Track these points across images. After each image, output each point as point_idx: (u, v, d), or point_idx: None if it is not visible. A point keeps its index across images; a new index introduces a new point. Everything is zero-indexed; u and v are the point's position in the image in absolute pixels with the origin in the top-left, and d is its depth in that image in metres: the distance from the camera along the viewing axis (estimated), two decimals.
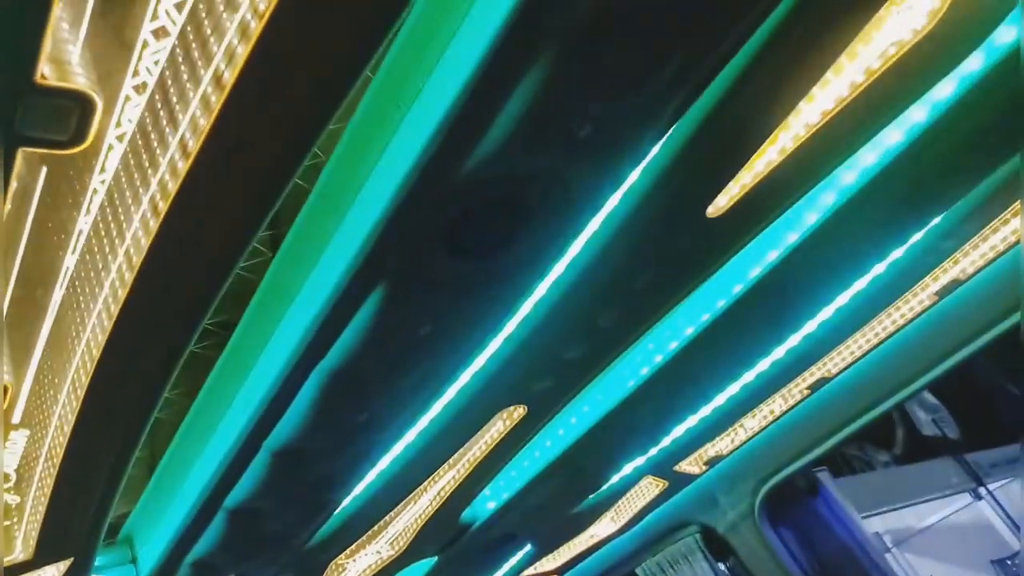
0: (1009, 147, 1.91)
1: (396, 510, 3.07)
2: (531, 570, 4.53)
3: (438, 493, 3.09)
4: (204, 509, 2.22)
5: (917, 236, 2.58)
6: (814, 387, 3.52)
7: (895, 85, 1.77)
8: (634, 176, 1.86)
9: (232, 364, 1.99)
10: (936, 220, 2.57)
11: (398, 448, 2.56)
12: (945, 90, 1.97)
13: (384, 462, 2.57)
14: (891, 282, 2.86)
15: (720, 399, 3.39)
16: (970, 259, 3.02)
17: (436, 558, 3.70)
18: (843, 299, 2.91)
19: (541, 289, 2.14)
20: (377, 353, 1.84)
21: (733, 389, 3.33)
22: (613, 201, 1.95)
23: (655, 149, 1.79)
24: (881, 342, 3.31)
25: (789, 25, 1.55)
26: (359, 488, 2.69)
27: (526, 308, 2.21)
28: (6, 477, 1.73)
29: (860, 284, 2.86)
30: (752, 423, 3.67)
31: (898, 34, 1.75)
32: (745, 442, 3.78)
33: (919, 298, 3.13)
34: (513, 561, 4.15)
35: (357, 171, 1.59)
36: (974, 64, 1.80)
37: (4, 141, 1.05)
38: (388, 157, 1.53)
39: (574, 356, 2.49)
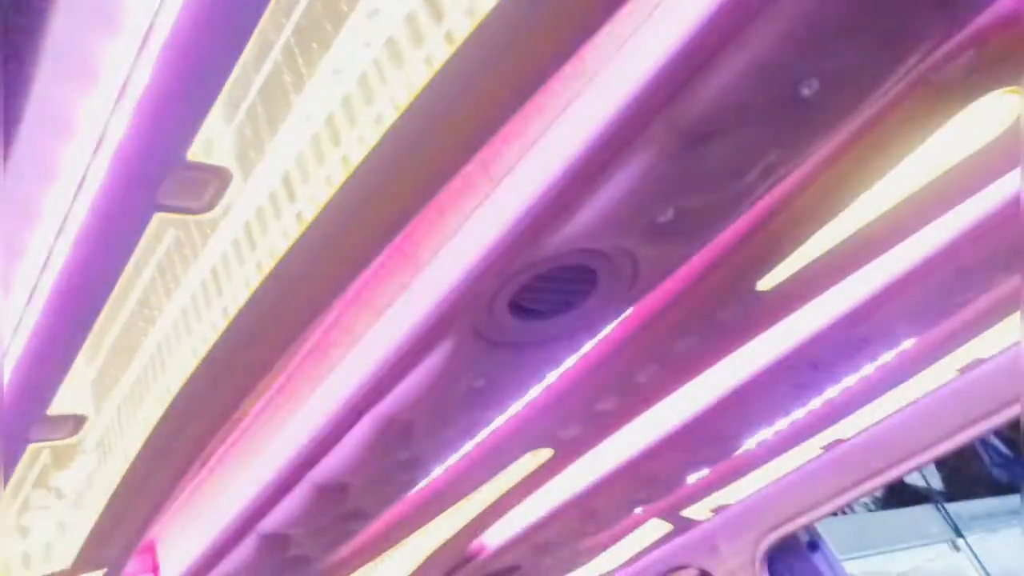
0: None
1: (411, 537, 3.10)
2: None
3: (452, 524, 3.12)
4: (237, 530, 2.26)
5: (947, 321, 2.63)
6: (828, 447, 3.55)
7: (959, 185, 1.83)
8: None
9: (283, 396, 2.02)
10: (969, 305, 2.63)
11: (425, 483, 2.60)
12: (997, 192, 2.03)
13: (410, 495, 2.61)
14: (917, 356, 2.90)
15: (737, 453, 3.42)
16: (994, 339, 3.08)
17: None
18: (869, 369, 2.95)
19: (587, 345, 2.18)
20: (432, 402, 1.88)
21: (750, 445, 3.36)
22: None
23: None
24: (899, 410, 3.36)
25: (873, 124, 1.61)
26: (382, 517, 2.72)
27: (569, 361, 2.25)
28: (63, 495, 1.77)
29: (887, 356, 2.90)
30: (763, 476, 3.70)
31: (963, 146, 1.81)
32: (753, 493, 3.81)
33: (941, 372, 3.18)
34: None
35: (438, 232, 1.64)
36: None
37: (145, 208, 1.09)
38: (473, 224, 1.58)
39: (606, 407, 2.53)
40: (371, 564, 3.32)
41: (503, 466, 2.71)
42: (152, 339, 1.38)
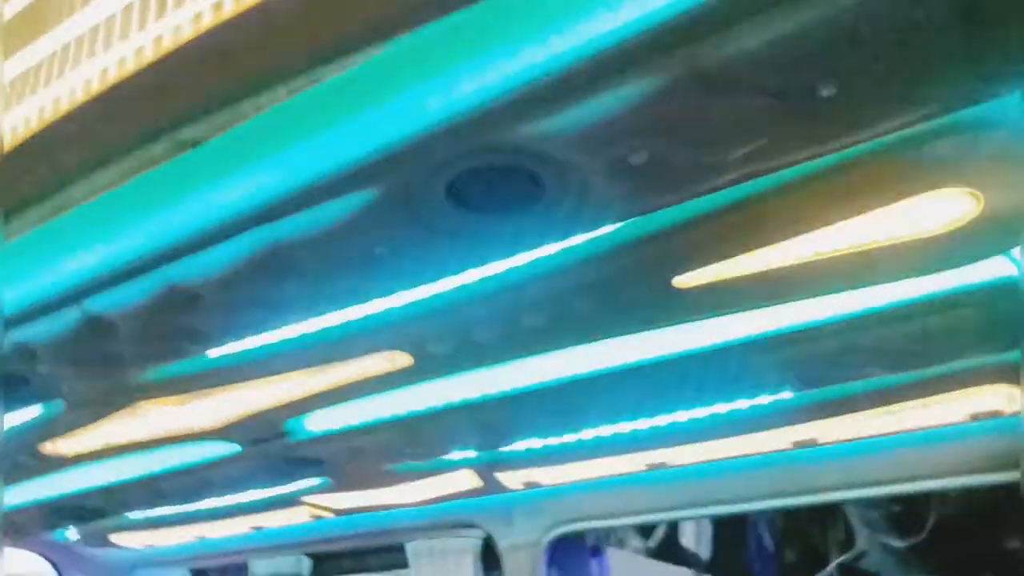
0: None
1: (234, 388, 2.96)
2: (312, 498, 4.46)
3: (282, 394, 2.99)
4: (65, 297, 2.04)
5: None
6: (652, 467, 3.65)
7: (902, 260, 1.88)
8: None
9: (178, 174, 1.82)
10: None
11: (275, 337, 2.47)
12: (944, 282, 2.11)
13: (255, 342, 2.47)
14: (786, 412, 2.98)
15: (569, 438, 3.45)
16: (834, 426, 3.24)
17: (240, 448, 3.57)
18: (720, 408, 3.03)
19: (494, 268, 2.12)
20: (328, 246, 1.75)
21: (586, 435, 3.40)
22: (604, 229, 1.96)
23: None
24: (729, 458, 3.48)
25: (847, 167, 1.63)
26: (215, 353, 2.57)
27: (469, 276, 2.18)
28: None
29: (761, 399, 2.96)
30: (582, 470, 3.77)
31: (924, 222, 1.87)
32: (568, 483, 3.88)
33: (780, 438, 3.30)
34: (303, 483, 4.07)
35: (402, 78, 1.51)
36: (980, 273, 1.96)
37: None
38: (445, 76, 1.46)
39: (480, 340, 2.47)
40: (184, 401, 3.14)
41: (358, 352, 2.61)
42: None
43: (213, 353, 2.55)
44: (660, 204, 1.64)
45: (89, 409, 2.97)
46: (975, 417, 2.99)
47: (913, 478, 3.05)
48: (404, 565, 5.06)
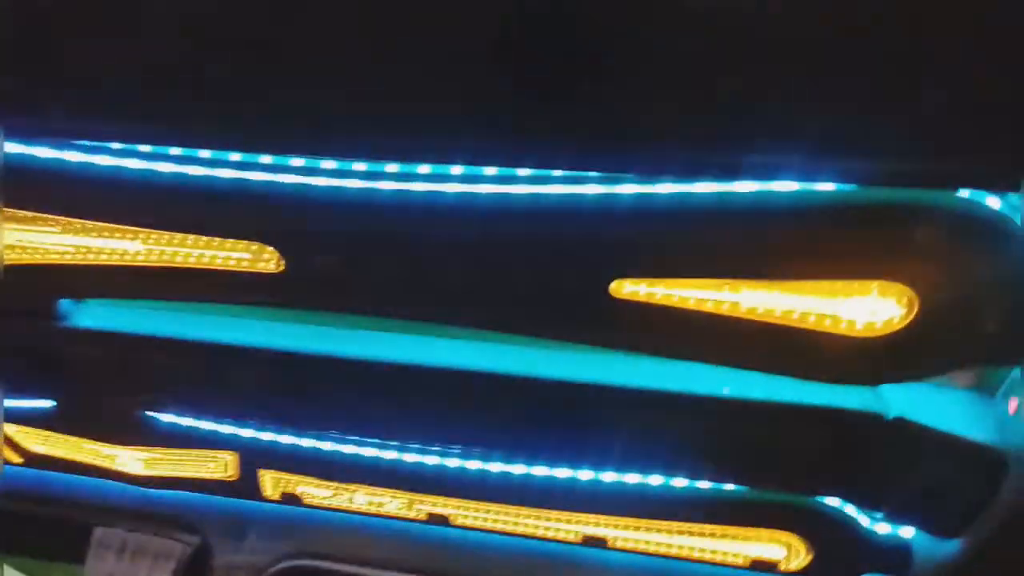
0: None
1: (31, 223, 2.37)
2: (18, 429, 3.61)
3: (91, 254, 2.42)
4: None
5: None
6: (433, 519, 3.32)
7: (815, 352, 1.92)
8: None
9: None
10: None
11: (137, 162, 2.02)
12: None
13: (100, 159, 1.99)
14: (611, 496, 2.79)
15: (371, 452, 3.10)
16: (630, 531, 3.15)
17: None
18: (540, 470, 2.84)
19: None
20: None
21: (389, 455, 3.08)
22: (586, 188, 1.86)
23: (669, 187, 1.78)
24: (520, 535, 3.25)
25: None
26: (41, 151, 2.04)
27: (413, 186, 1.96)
28: None
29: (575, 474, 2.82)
30: (356, 498, 3.36)
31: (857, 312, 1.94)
32: (333, 509, 3.42)
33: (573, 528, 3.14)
34: (24, 403, 3.29)
35: None
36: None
37: None
38: None
39: (374, 273, 2.19)
40: None
41: (220, 231, 2.16)
42: None
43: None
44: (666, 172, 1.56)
45: None
46: (756, 565, 3.00)
47: None
48: (76, 557, 4.09)
